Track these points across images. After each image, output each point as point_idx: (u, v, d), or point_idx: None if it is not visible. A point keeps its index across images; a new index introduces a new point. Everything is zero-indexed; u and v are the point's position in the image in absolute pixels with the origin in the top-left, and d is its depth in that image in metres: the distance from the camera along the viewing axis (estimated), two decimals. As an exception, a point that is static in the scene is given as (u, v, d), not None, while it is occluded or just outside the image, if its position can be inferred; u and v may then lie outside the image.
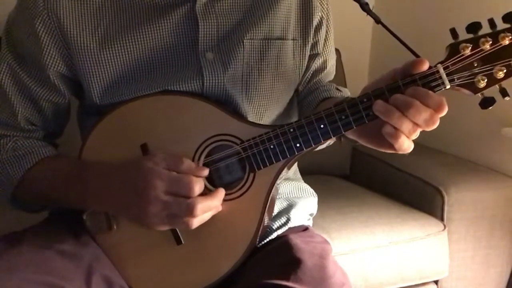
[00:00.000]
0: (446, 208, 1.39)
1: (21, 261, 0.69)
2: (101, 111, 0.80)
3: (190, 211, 0.69)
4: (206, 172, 0.74)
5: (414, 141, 0.70)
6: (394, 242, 1.29)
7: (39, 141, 0.85)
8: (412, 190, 1.51)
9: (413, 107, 0.65)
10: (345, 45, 1.78)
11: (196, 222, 0.70)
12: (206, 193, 0.73)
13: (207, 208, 0.71)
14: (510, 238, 1.45)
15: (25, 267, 0.68)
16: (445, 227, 1.37)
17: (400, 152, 0.70)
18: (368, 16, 0.84)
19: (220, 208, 0.75)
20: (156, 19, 0.81)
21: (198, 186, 0.70)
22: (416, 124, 0.66)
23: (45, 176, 0.80)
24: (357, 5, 0.84)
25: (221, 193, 0.74)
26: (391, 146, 0.69)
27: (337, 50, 1.72)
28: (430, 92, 0.66)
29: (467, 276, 1.45)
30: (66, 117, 0.91)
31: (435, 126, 0.67)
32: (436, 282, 1.40)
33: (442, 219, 1.39)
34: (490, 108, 0.70)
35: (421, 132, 0.69)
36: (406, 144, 0.68)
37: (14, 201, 0.84)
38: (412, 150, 0.70)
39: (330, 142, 0.91)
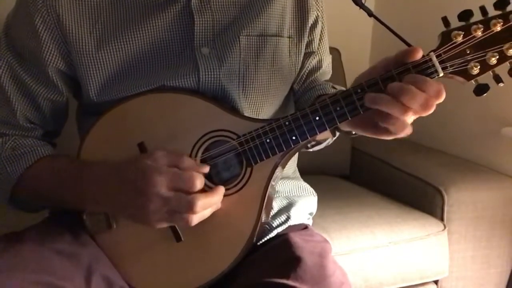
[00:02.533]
0: (446, 208, 1.39)
1: (20, 261, 0.69)
2: (99, 111, 0.80)
3: (190, 208, 0.68)
4: (206, 169, 0.74)
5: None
6: (394, 242, 1.29)
7: (38, 140, 0.86)
8: (412, 190, 1.51)
9: (409, 93, 0.66)
10: (345, 45, 1.79)
11: (196, 218, 0.70)
12: (205, 190, 0.73)
13: (207, 205, 0.71)
14: (510, 238, 1.45)
15: (25, 267, 0.68)
16: (445, 227, 1.36)
17: (400, 136, 0.70)
18: (368, 16, 0.84)
19: (219, 206, 0.75)
20: (152, 16, 0.81)
21: (199, 181, 0.70)
22: (411, 109, 0.66)
23: (44, 175, 0.80)
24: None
25: (221, 190, 0.74)
26: (388, 132, 0.70)
27: (337, 50, 1.73)
28: (428, 78, 0.67)
29: (467, 276, 1.45)
30: (64, 116, 0.91)
31: (431, 111, 0.67)
32: (436, 282, 1.40)
33: (442, 219, 1.39)
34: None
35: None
36: (401, 127, 0.68)
37: (12, 201, 0.84)
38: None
39: (329, 141, 0.91)
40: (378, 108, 0.68)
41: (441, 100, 0.67)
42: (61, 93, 0.85)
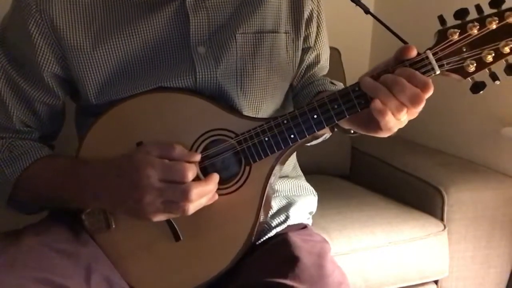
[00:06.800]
0: (446, 208, 1.38)
1: (20, 259, 0.69)
2: (97, 112, 0.80)
3: (185, 196, 0.69)
4: (198, 157, 0.74)
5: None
6: (394, 242, 1.29)
7: (35, 142, 0.86)
8: (412, 190, 1.51)
9: (398, 84, 0.66)
10: (345, 45, 1.79)
11: (192, 207, 0.70)
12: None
13: (202, 193, 0.71)
14: (510, 238, 1.44)
15: (24, 265, 0.68)
16: (445, 227, 1.36)
17: (385, 133, 0.71)
18: (366, 14, 0.84)
19: (216, 196, 0.75)
20: (147, 16, 0.81)
21: (191, 171, 0.70)
22: (402, 103, 0.67)
23: (42, 176, 0.81)
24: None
25: (215, 177, 0.74)
26: (378, 127, 0.70)
27: (337, 50, 1.73)
28: (416, 72, 0.68)
29: (467, 276, 1.44)
30: (61, 119, 0.92)
31: (420, 106, 0.67)
32: (436, 282, 1.40)
33: (442, 219, 1.39)
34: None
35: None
36: (391, 123, 0.69)
37: (11, 203, 0.84)
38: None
39: (326, 136, 0.91)
40: (376, 98, 0.68)
41: (429, 94, 0.67)
42: (57, 96, 0.85)
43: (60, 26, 0.79)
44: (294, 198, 0.93)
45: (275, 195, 0.90)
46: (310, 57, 0.96)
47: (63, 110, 0.90)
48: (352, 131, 0.80)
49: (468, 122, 1.64)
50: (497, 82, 0.70)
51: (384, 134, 0.72)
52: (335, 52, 1.72)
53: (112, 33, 0.80)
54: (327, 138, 0.92)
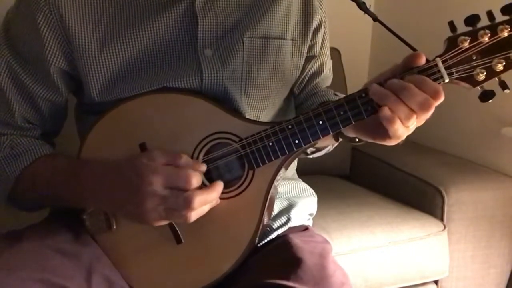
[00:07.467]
0: (446, 208, 1.39)
1: (21, 259, 0.69)
2: (99, 110, 0.80)
3: (187, 204, 0.68)
4: (204, 167, 0.73)
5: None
6: (394, 242, 1.29)
7: (36, 139, 0.85)
8: (412, 190, 1.51)
9: (407, 90, 0.66)
10: (345, 45, 1.79)
11: (194, 215, 0.70)
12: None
13: (205, 201, 0.71)
14: (510, 238, 1.45)
15: (25, 265, 0.68)
16: (445, 227, 1.37)
17: (393, 141, 0.71)
18: (368, 16, 0.84)
19: (218, 200, 0.74)
20: (155, 16, 0.81)
21: (196, 179, 0.70)
22: (411, 109, 0.67)
23: (42, 174, 0.80)
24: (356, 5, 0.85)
25: (219, 186, 0.73)
26: (386, 135, 0.70)
27: (337, 50, 1.73)
28: (426, 78, 0.67)
29: (467, 276, 1.45)
30: (63, 116, 0.91)
31: (430, 112, 0.67)
32: (436, 282, 1.40)
33: (442, 219, 1.39)
34: (490, 101, 0.69)
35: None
36: (400, 131, 0.68)
37: (11, 200, 0.84)
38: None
39: (329, 148, 0.91)
40: (384, 105, 0.67)
41: (439, 101, 0.67)
42: (61, 93, 0.85)
43: (68, 22, 0.78)
44: (294, 199, 0.93)
45: (276, 196, 0.90)
46: (314, 67, 0.96)
47: (66, 107, 0.90)
48: (357, 140, 0.80)
49: (468, 122, 1.64)
50: (507, 91, 0.68)
51: (392, 142, 0.72)
52: (335, 52, 1.72)
53: (119, 34, 0.80)
54: (330, 150, 0.92)
